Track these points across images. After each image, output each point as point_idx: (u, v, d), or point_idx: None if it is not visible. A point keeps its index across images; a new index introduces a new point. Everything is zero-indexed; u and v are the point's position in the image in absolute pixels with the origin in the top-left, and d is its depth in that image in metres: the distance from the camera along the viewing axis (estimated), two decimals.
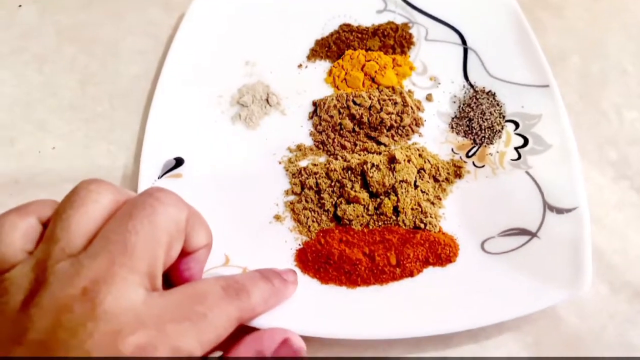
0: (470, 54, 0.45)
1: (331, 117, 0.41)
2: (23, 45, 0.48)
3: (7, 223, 0.23)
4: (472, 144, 0.41)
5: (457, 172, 0.39)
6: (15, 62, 0.47)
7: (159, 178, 0.37)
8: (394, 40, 0.46)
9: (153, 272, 0.23)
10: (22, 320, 0.21)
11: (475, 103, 0.42)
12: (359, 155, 0.40)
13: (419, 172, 0.38)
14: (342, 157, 0.40)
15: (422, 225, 0.36)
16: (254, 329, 0.27)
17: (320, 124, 0.41)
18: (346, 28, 0.47)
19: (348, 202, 0.37)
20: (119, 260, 0.22)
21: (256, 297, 0.27)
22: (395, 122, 0.41)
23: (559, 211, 0.35)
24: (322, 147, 0.41)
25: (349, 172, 0.38)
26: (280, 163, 0.40)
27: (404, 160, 0.37)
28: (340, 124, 0.41)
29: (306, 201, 0.37)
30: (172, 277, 0.28)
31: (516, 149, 0.40)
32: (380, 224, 0.36)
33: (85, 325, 0.20)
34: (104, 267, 0.22)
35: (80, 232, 0.23)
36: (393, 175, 0.36)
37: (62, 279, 0.22)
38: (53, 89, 0.45)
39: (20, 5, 0.51)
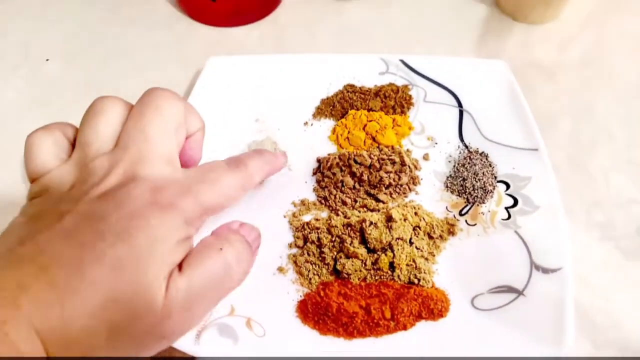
0: (465, 116, 0.48)
1: (333, 174, 0.44)
2: (47, 98, 0.52)
3: (37, 137, 0.28)
4: (465, 202, 0.43)
5: (451, 229, 0.41)
6: (39, 115, 0.50)
7: None
8: (394, 101, 0.49)
9: (170, 154, 0.30)
10: (69, 197, 0.26)
11: (469, 163, 0.45)
12: (359, 211, 0.42)
13: (414, 229, 0.40)
14: (342, 213, 0.42)
15: (416, 281, 0.38)
16: None
17: (323, 181, 0.44)
18: (350, 88, 0.50)
19: (347, 256, 0.39)
20: (144, 147, 0.28)
21: (252, 168, 0.33)
22: (394, 180, 0.43)
23: (545, 271, 0.38)
24: (324, 203, 0.43)
25: (349, 228, 0.40)
26: (285, 217, 0.43)
27: (400, 219, 0.40)
28: (342, 181, 0.44)
29: (308, 254, 0.40)
30: (180, 158, 0.33)
31: (507, 208, 0.42)
32: (377, 278, 0.39)
33: (129, 185, 0.26)
34: (134, 154, 0.28)
35: (108, 134, 0.29)
36: (390, 233, 0.39)
37: (103, 169, 0.27)
38: None
39: (47, 59, 0.54)
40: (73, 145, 0.30)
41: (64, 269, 0.23)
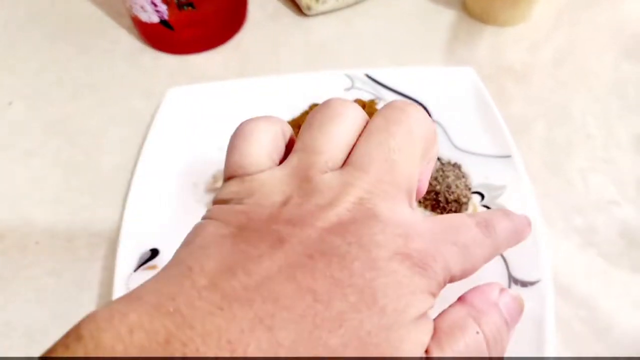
0: (436, 127, 0.47)
1: None
2: (11, 141, 0.51)
3: (260, 126, 0.23)
4: None
5: None
6: (4, 158, 0.49)
7: (134, 271, 0.38)
8: None
9: (411, 189, 0.23)
10: (287, 216, 0.21)
11: (441, 176, 0.43)
12: None
13: None
14: None
15: None
16: None
17: None
18: None
19: None
20: (386, 177, 0.22)
21: (501, 235, 0.25)
22: None
23: (523, 284, 0.36)
24: None
25: None
26: None
27: None
28: None
29: None
30: None
31: None
32: None
33: (370, 224, 0.20)
34: (373, 182, 0.22)
35: (342, 147, 0.23)
36: None
37: (333, 188, 0.21)
38: (39, 184, 0.47)
39: (10, 103, 0.54)
40: (286, 148, 0.25)
41: (289, 329, 0.18)
